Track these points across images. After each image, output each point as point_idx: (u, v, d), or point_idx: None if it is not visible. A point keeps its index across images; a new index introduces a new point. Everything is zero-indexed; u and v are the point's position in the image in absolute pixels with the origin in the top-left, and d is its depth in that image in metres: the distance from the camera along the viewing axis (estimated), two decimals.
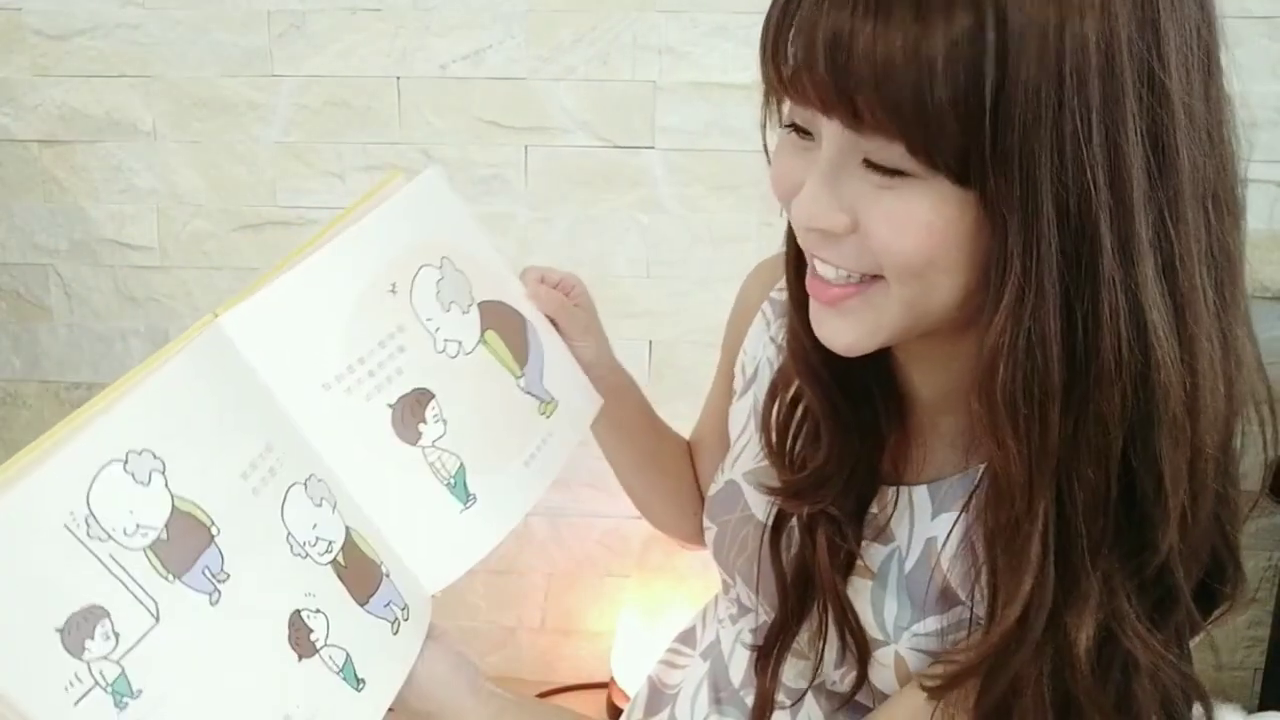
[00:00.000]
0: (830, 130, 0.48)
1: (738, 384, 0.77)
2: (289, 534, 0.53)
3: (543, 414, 0.69)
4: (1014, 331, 0.46)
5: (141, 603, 0.46)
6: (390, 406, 0.60)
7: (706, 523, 0.75)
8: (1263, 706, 1.49)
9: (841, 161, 0.48)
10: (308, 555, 0.53)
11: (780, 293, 0.67)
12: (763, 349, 0.73)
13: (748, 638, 0.74)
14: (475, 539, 0.63)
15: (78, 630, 0.43)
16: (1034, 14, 0.42)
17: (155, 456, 0.48)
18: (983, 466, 0.54)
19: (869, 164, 0.47)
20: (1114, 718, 0.49)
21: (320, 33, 1.58)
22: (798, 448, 0.62)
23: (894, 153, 0.45)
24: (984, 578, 0.51)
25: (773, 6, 0.48)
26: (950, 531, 0.57)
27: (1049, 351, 0.46)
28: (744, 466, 0.71)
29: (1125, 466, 0.48)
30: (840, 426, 0.58)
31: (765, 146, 0.56)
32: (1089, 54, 0.43)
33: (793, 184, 0.51)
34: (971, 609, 0.54)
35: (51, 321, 1.73)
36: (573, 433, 0.72)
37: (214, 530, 0.49)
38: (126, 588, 0.45)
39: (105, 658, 0.44)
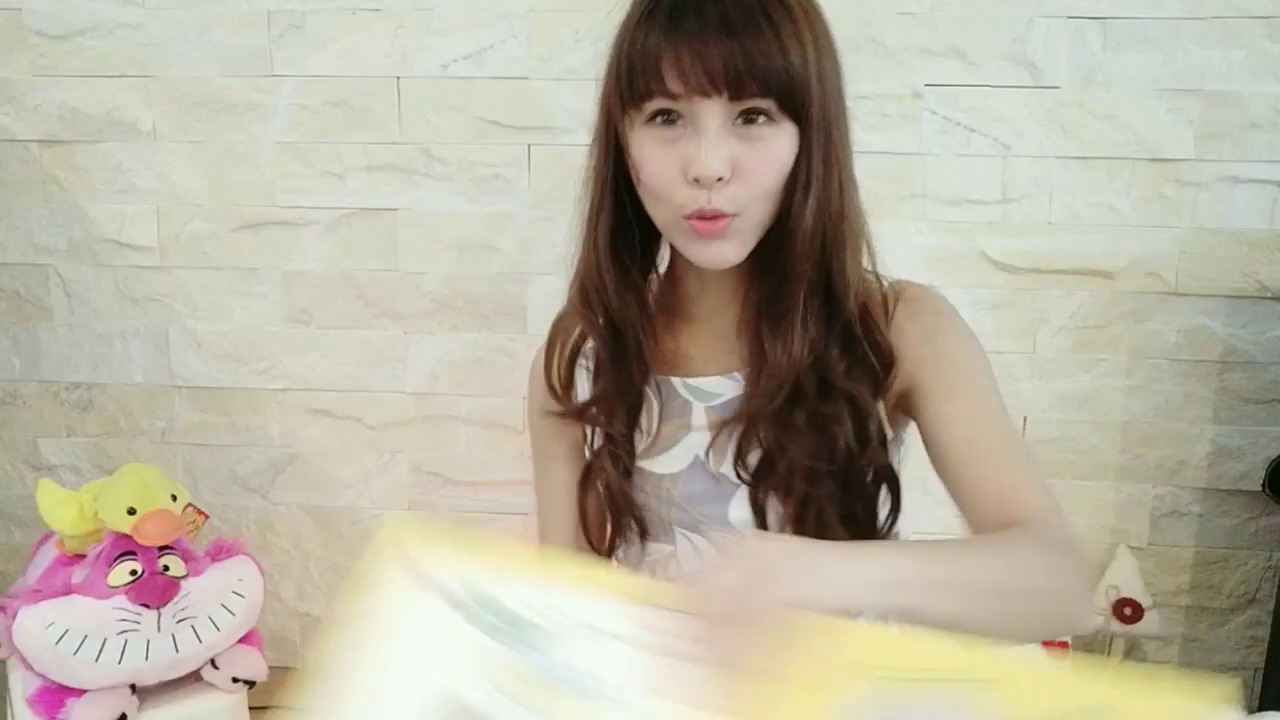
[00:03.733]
0: (712, 108, 0.68)
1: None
2: None
3: None
4: (812, 206, 0.72)
5: None
6: None
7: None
8: (1263, 706, 1.49)
9: (720, 126, 0.69)
10: None
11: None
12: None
13: None
14: None
15: None
16: (821, 33, 0.73)
17: None
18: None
19: (745, 118, 0.69)
20: (824, 430, 0.74)
21: (320, 33, 1.58)
22: (575, 386, 0.84)
23: (765, 104, 0.69)
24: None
25: (640, 32, 0.71)
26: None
27: (825, 207, 0.73)
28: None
29: (825, 270, 0.74)
30: (615, 357, 0.79)
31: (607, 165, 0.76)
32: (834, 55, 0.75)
33: (669, 172, 0.70)
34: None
35: (51, 321, 1.73)
36: None
37: None
38: None
39: None
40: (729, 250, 0.72)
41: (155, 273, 1.70)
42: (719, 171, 0.68)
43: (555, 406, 0.84)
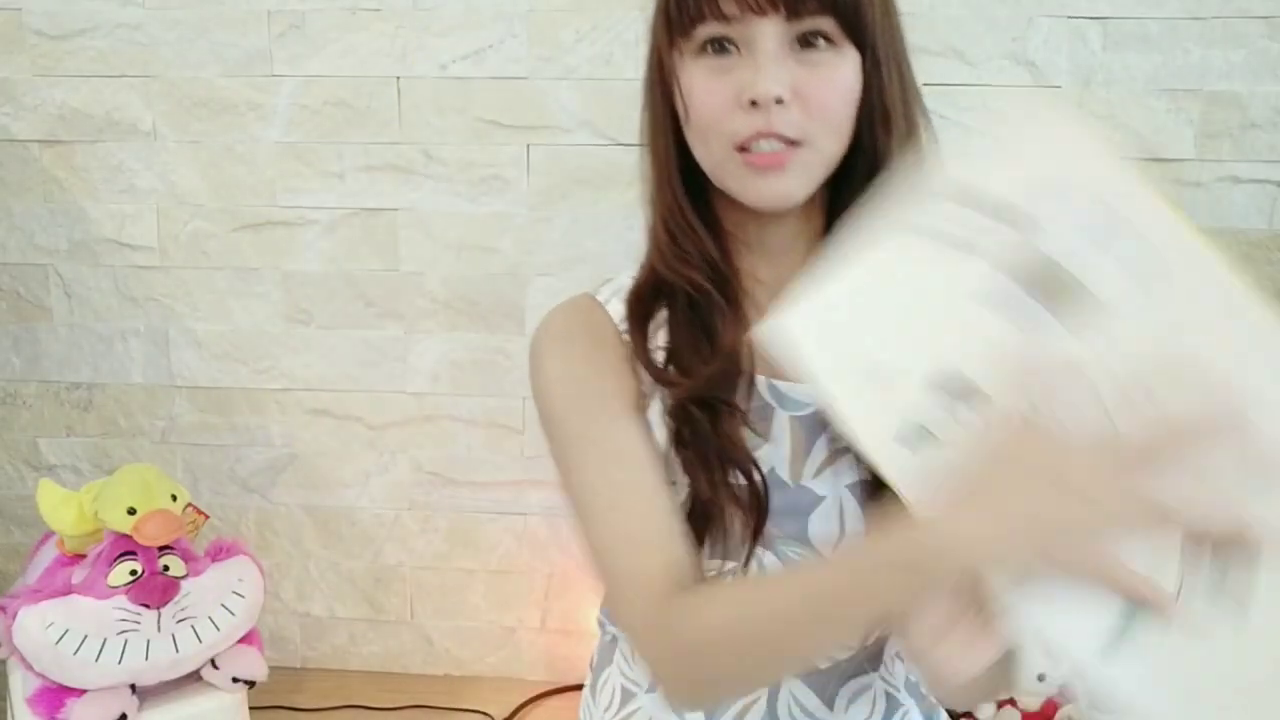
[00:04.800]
0: (768, 28, 0.64)
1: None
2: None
3: None
4: (899, 140, 0.69)
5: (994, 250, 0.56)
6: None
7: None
8: None
9: (778, 49, 0.64)
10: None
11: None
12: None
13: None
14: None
15: (941, 390, 0.55)
16: None
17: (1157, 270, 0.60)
18: None
19: (803, 43, 0.65)
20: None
21: (320, 33, 1.58)
22: (670, 367, 0.70)
23: (825, 24, 0.64)
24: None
25: None
26: None
27: (914, 141, 0.71)
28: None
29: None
30: (719, 325, 0.70)
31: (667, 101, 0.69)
32: None
33: (723, 100, 0.65)
34: None
35: (51, 321, 1.73)
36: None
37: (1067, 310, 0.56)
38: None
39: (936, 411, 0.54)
40: (791, 184, 0.66)
41: (155, 273, 1.70)
42: (777, 91, 0.63)
43: (610, 354, 0.69)
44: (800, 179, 0.66)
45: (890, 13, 0.68)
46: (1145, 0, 1.47)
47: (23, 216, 1.69)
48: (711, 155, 0.67)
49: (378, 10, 1.57)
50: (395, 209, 1.64)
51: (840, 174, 0.69)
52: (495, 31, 1.56)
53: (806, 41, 0.65)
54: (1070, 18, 1.48)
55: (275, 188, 1.65)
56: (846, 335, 0.57)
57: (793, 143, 0.64)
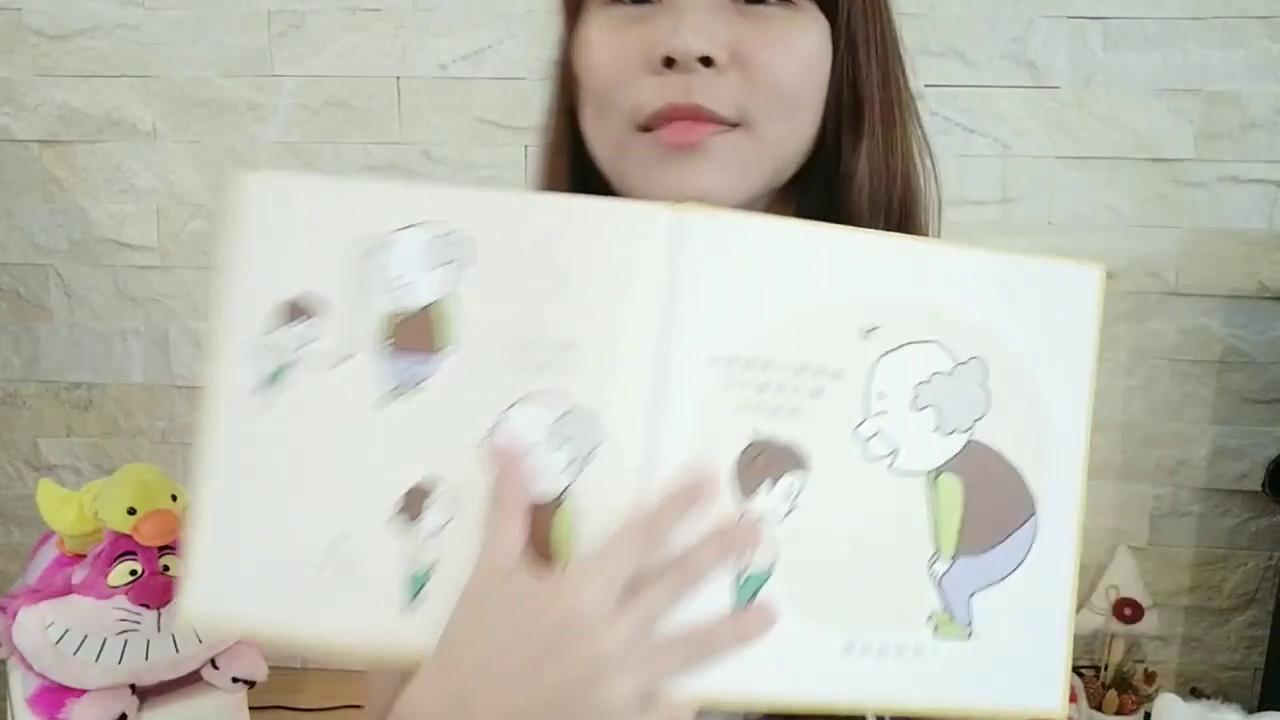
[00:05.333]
0: None
1: None
2: (504, 421, 0.46)
3: (934, 625, 0.48)
4: (867, 144, 0.53)
5: (344, 337, 0.47)
6: (754, 437, 0.46)
7: None
8: (1262, 706, 1.49)
9: (713, 2, 0.48)
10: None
11: None
12: None
13: None
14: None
15: (288, 312, 0.48)
16: None
17: (470, 254, 0.47)
18: None
19: None
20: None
21: (320, 33, 1.58)
22: None
23: None
24: None
25: None
26: None
27: (889, 147, 0.55)
28: None
29: None
30: None
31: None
32: None
33: (628, 58, 0.49)
34: None
35: (51, 321, 1.73)
36: (957, 696, 0.48)
37: (449, 350, 0.46)
38: (350, 314, 0.47)
39: (290, 346, 0.47)
40: (715, 176, 0.49)
41: (155, 273, 1.70)
42: (703, 46, 0.47)
43: None
44: (730, 171, 0.49)
45: None
46: (1145, 0, 1.47)
47: (23, 216, 1.69)
48: (607, 138, 0.51)
49: (378, 10, 1.57)
50: None
51: (798, 184, 0.54)
52: (494, 32, 1.56)
53: None
54: (1070, 18, 1.48)
55: None
56: (265, 564, 0.47)
57: (724, 122, 0.48)
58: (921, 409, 0.47)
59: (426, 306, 0.47)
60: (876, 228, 0.53)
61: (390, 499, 0.46)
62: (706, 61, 0.47)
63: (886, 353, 0.47)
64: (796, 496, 0.46)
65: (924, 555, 0.47)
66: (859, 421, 0.47)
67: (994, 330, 0.48)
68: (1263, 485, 1.53)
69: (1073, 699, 1.51)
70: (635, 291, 0.45)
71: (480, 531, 0.45)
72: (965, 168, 1.53)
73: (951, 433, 0.48)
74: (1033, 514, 0.49)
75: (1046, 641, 0.49)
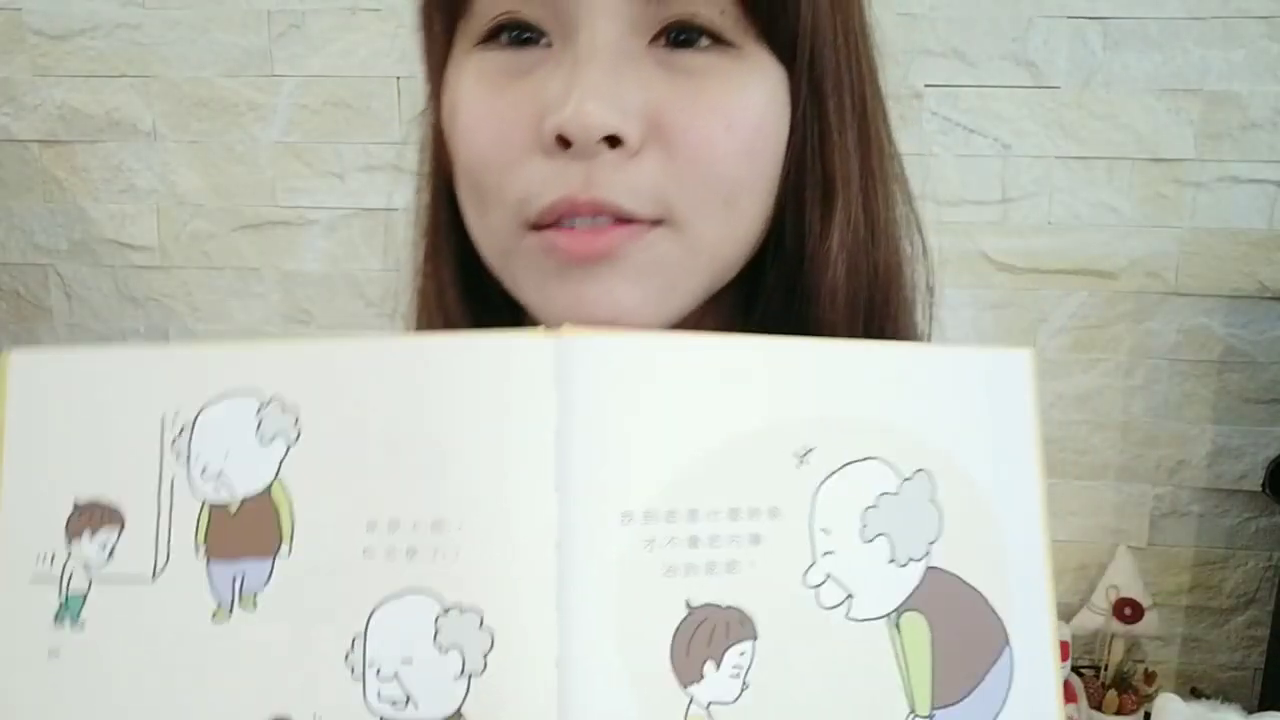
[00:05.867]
0: (603, 4, 0.35)
1: None
2: (363, 642, 0.37)
3: None
4: (840, 232, 0.41)
5: (156, 546, 0.38)
6: (688, 607, 0.38)
7: None
8: (1262, 706, 1.49)
9: (621, 40, 0.35)
10: (363, 680, 0.37)
11: None
12: None
13: None
14: None
15: (82, 519, 0.38)
16: None
17: (296, 427, 0.38)
18: None
19: (673, 39, 0.36)
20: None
21: (320, 33, 1.58)
22: None
23: (713, 8, 0.35)
24: None
25: None
26: None
27: (870, 231, 0.43)
28: None
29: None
30: None
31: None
32: None
33: (509, 128, 0.37)
34: None
35: (51, 321, 1.73)
36: None
37: (285, 549, 0.38)
38: (158, 518, 0.38)
39: (87, 565, 0.38)
40: (626, 291, 0.37)
41: (155, 273, 1.70)
42: (608, 123, 0.34)
43: None
44: (651, 284, 0.38)
45: (846, 9, 0.40)
46: (1145, 0, 1.47)
47: (23, 216, 1.69)
48: (489, 235, 0.40)
49: (377, 10, 1.57)
50: (395, 209, 1.63)
51: (752, 276, 0.42)
52: None
53: (679, 37, 0.36)
54: (1070, 18, 1.48)
55: (275, 188, 1.65)
56: None
57: (640, 221, 0.37)
58: (871, 540, 0.40)
59: (247, 500, 0.38)
60: (855, 335, 0.44)
61: None
62: (613, 141, 0.35)
63: (826, 477, 0.40)
64: (746, 672, 0.38)
65: (899, 716, 0.40)
66: (806, 566, 0.39)
67: (930, 436, 0.41)
68: (1263, 485, 1.53)
69: (1073, 699, 1.51)
70: (517, 445, 0.37)
71: None
72: (965, 168, 1.53)
73: (907, 563, 0.41)
74: (1006, 643, 0.42)
75: None
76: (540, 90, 0.36)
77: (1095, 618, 1.56)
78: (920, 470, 0.40)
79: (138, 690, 0.38)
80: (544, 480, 0.36)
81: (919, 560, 0.40)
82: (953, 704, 0.40)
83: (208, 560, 0.38)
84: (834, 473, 0.39)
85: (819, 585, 0.39)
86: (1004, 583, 0.42)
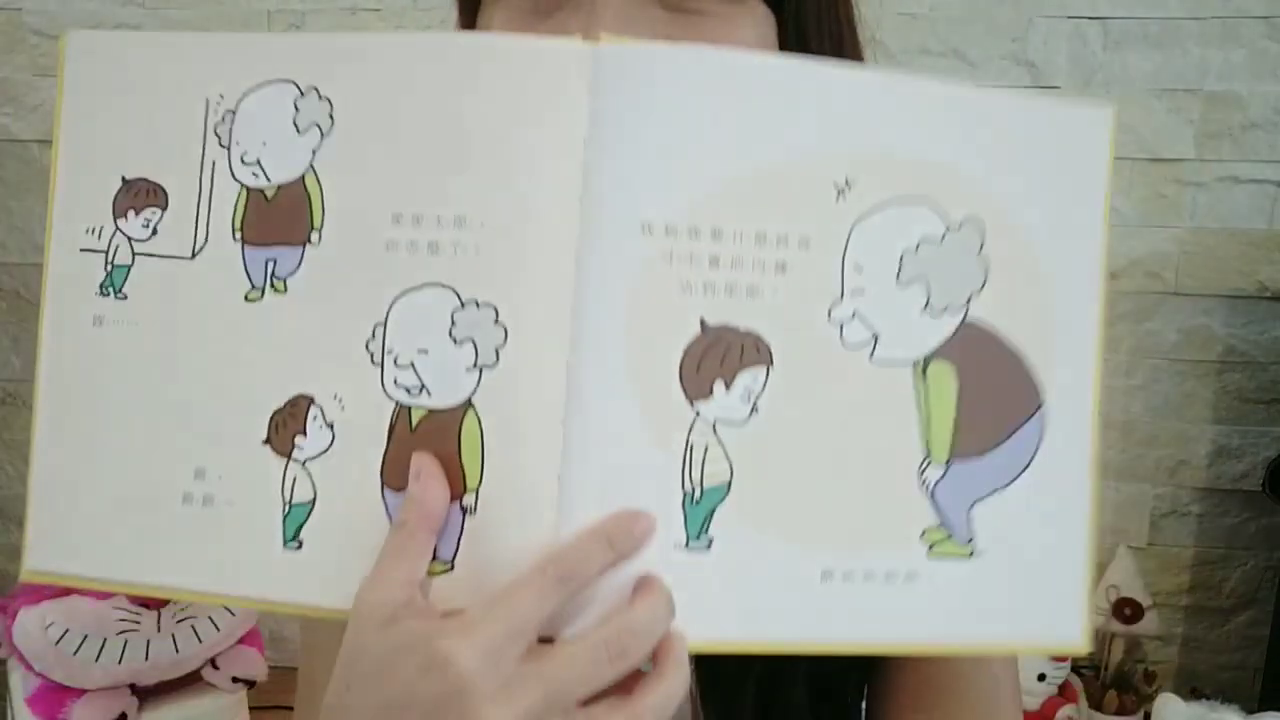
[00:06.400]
0: None
1: None
2: (383, 331, 0.38)
3: (928, 544, 0.40)
4: None
5: (195, 226, 0.40)
6: (702, 325, 0.37)
7: None
8: (1262, 706, 1.49)
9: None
10: (381, 366, 0.38)
11: None
12: None
13: None
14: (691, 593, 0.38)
15: (128, 196, 0.40)
16: None
17: (331, 117, 0.38)
18: None
19: None
20: None
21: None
22: None
23: None
24: None
25: None
26: None
27: None
28: None
29: None
30: None
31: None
32: None
33: None
34: None
35: None
36: (961, 629, 0.40)
37: (315, 237, 0.38)
38: (199, 199, 0.39)
39: (131, 239, 0.40)
40: None
41: None
42: None
43: None
44: None
45: None
46: (1145, 0, 1.47)
47: (23, 216, 1.69)
48: None
49: (377, 10, 1.57)
50: None
51: None
52: None
53: None
54: (1070, 18, 1.48)
55: None
56: (117, 504, 0.42)
57: None
58: (907, 284, 0.39)
59: (283, 187, 0.39)
60: None
61: (257, 422, 0.39)
62: None
63: (864, 215, 0.38)
64: (758, 397, 0.38)
65: (913, 461, 0.39)
66: (832, 302, 0.38)
67: (990, 185, 0.39)
68: (1263, 485, 1.53)
69: (1073, 699, 1.51)
70: (545, 150, 0.36)
71: (365, 458, 0.38)
72: None
73: (943, 312, 0.39)
74: (1039, 405, 0.40)
75: (1063, 558, 0.41)
76: (560, 30, 0.42)
77: (1095, 617, 1.55)
78: (970, 219, 0.39)
79: (174, 361, 0.40)
80: (569, 186, 0.36)
81: (956, 311, 0.39)
82: (973, 455, 0.40)
83: (243, 244, 0.39)
84: (874, 210, 0.38)
85: (845, 322, 0.39)
86: (1046, 346, 0.40)
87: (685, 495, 0.38)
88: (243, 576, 0.40)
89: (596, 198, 0.36)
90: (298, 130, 0.39)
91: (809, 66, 0.39)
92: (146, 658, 1.30)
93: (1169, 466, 1.60)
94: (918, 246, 0.39)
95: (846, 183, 0.38)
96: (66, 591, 1.32)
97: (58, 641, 1.26)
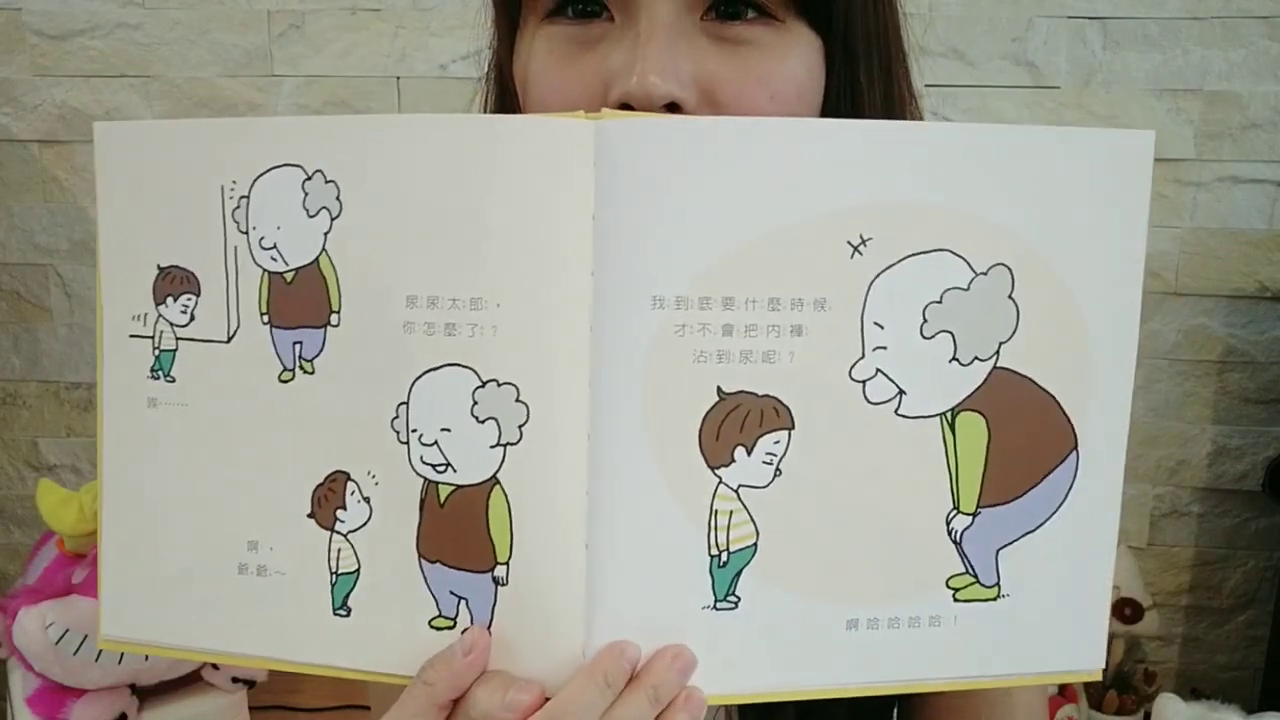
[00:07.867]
0: None
1: None
2: (406, 410, 0.39)
3: (954, 590, 0.40)
4: None
5: (227, 310, 0.41)
6: (719, 393, 0.38)
7: None
8: (1262, 706, 1.49)
9: (677, 18, 0.41)
10: (407, 444, 0.39)
11: None
12: None
13: None
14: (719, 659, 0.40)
15: (165, 283, 0.43)
16: None
17: (339, 200, 0.39)
18: None
19: (723, 12, 0.42)
20: None
21: (320, 33, 1.58)
22: None
23: None
24: None
25: None
26: None
27: None
28: None
29: None
30: None
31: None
32: None
33: (576, 94, 0.42)
34: None
35: (51, 321, 1.73)
36: (986, 666, 0.41)
37: (335, 319, 0.39)
38: (227, 284, 0.41)
39: (173, 325, 0.43)
40: None
41: None
42: (668, 89, 0.40)
43: None
44: None
45: None
46: (1145, 0, 1.47)
47: (23, 216, 1.69)
48: None
49: (378, 10, 1.57)
50: None
51: None
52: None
53: (728, 10, 0.42)
54: (1070, 18, 1.48)
55: None
56: (179, 574, 0.44)
57: None
58: (933, 336, 0.38)
59: (300, 270, 0.40)
60: None
61: (301, 497, 0.41)
62: (672, 108, 0.40)
63: (883, 270, 0.38)
64: (780, 460, 0.38)
65: (939, 512, 0.39)
66: (853, 361, 0.38)
67: (1018, 226, 0.38)
68: (1263, 485, 1.53)
69: (1073, 699, 1.51)
70: (555, 227, 0.37)
71: (401, 532, 0.40)
72: None
73: (971, 361, 0.38)
74: (1073, 448, 0.41)
75: (1088, 595, 0.41)
76: (605, 61, 0.41)
77: None
78: (999, 264, 0.38)
79: (222, 439, 0.42)
80: (581, 262, 0.37)
81: (985, 360, 0.39)
82: (1003, 503, 0.40)
83: (270, 326, 0.41)
84: (893, 264, 0.38)
85: (867, 380, 0.38)
86: (1082, 386, 0.40)
87: (712, 559, 0.39)
88: (300, 643, 0.42)
89: (607, 273, 0.37)
90: (308, 213, 0.40)
91: (814, 126, 0.40)
92: (146, 658, 1.30)
93: (1169, 466, 1.60)
94: (942, 297, 0.38)
95: (862, 239, 0.38)
96: (66, 591, 1.32)
97: (58, 641, 1.26)
